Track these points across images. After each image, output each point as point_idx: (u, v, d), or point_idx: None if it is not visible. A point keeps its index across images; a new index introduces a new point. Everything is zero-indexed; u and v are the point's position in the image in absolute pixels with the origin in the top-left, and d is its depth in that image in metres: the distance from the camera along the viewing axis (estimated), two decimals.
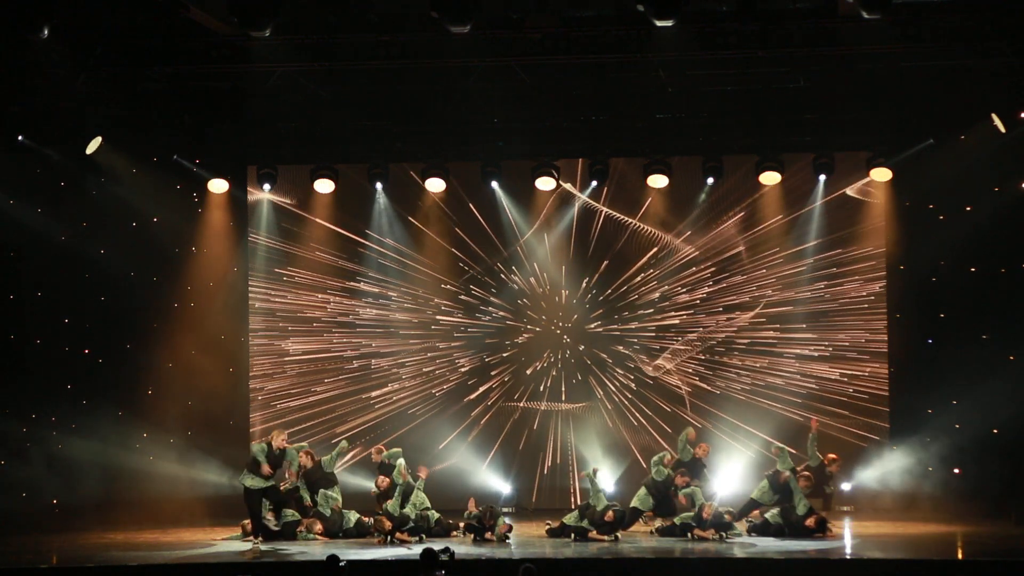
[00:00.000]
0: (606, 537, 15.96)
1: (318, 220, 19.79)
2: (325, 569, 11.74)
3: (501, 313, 19.94)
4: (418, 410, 19.52)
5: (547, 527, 16.66)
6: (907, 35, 15.58)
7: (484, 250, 19.82)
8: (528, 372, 19.90)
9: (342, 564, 11.67)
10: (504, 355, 19.96)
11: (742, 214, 19.48)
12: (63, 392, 18.27)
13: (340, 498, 16.84)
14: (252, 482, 16.12)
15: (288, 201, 19.73)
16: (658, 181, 18.75)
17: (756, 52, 15.96)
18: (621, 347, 19.82)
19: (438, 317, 19.91)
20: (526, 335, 20.01)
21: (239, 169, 19.52)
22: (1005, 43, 15.75)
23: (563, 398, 19.83)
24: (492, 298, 19.89)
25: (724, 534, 15.93)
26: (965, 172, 18.02)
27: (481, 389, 19.82)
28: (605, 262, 19.71)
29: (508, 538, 16.08)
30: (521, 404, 19.78)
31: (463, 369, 19.88)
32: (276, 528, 16.31)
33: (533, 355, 19.98)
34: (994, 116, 17.27)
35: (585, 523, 16.12)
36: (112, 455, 18.34)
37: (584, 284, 19.82)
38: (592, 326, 19.88)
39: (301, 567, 14.63)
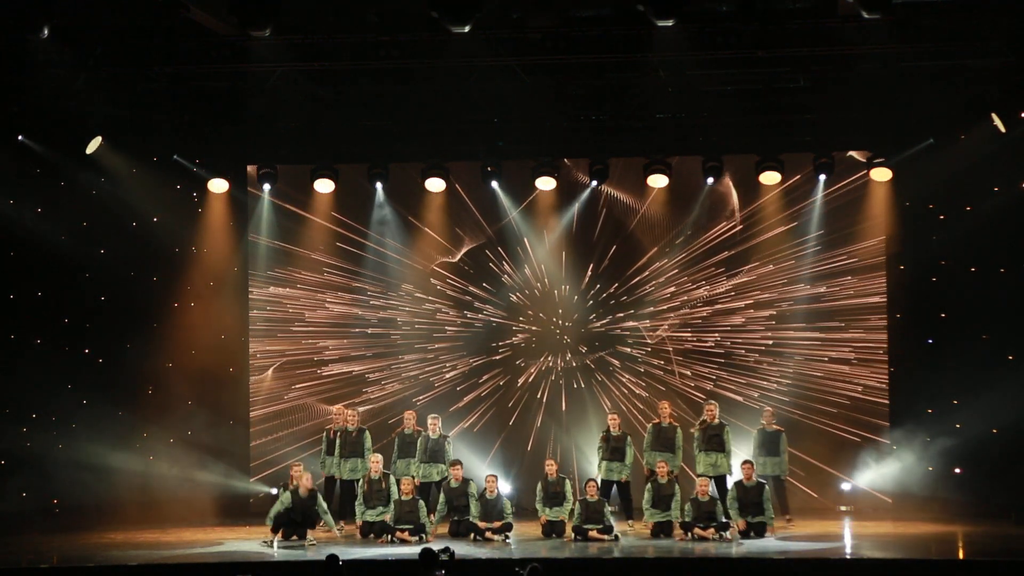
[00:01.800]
0: (606, 537, 15.96)
1: (318, 220, 19.78)
2: (325, 569, 11.74)
3: (495, 311, 19.85)
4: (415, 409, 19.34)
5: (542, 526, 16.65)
6: (907, 35, 15.61)
7: (483, 249, 19.80)
8: (520, 381, 19.79)
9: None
10: (496, 358, 19.89)
11: (741, 215, 19.48)
12: (63, 392, 18.26)
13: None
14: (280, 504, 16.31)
15: (287, 200, 19.70)
16: (658, 181, 18.75)
17: (756, 52, 15.96)
18: (630, 349, 19.75)
19: (438, 317, 19.88)
20: (520, 335, 19.95)
21: (239, 169, 19.52)
22: (1005, 43, 15.75)
23: (564, 407, 19.73)
24: (483, 293, 19.75)
25: (723, 534, 15.93)
26: (965, 172, 18.01)
27: (467, 399, 19.66)
28: (608, 256, 19.62)
29: (508, 538, 16.09)
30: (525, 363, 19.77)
31: (452, 373, 19.74)
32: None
33: (530, 358, 19.92)
34: (994, 116, 17.26)
35: (576, 518, 16.11)
36: (112, 455, 18.34)
37: (587, 277, 19.73)
38: (596, 325, 19.84)
39: (301, 567, 14.64)
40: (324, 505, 16.46)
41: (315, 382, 19.76)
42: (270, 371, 19.82)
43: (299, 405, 19.70)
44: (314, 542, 15.96)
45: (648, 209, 19.58)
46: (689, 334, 19.64)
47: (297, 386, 19.75)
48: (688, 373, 19.53)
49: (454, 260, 19.77)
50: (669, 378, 19.58)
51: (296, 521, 16.13)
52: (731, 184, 19.36)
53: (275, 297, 19.88)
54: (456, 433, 19.16)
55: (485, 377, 19.80)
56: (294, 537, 16.07)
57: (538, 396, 19.75)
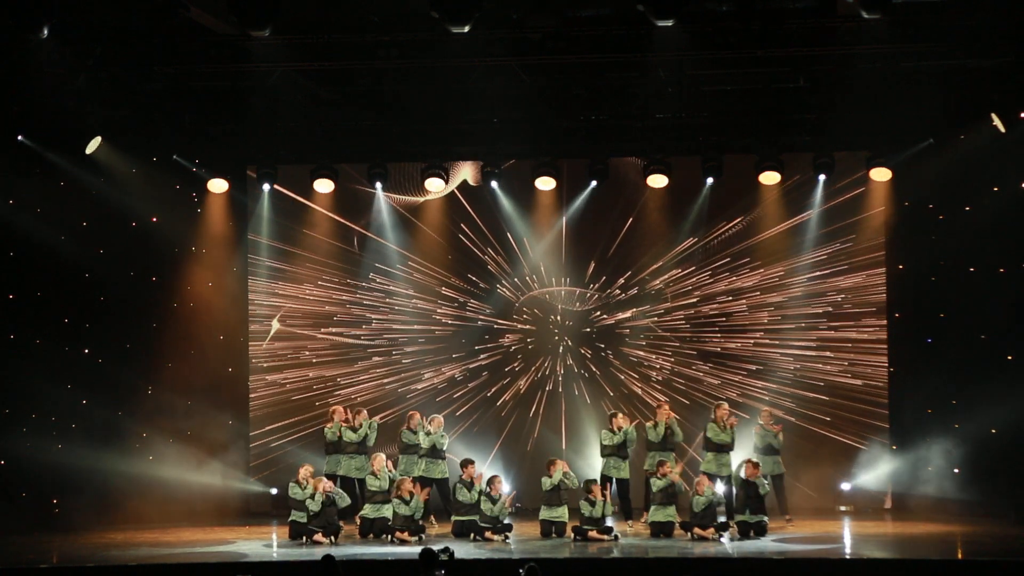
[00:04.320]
0: (606, 537, 15.97)
1: (318, 220, 19.78)
2: (321, 569, 11.75)
3: (488, 310, 19.83)
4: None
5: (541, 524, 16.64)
6: (907, 35, 15.61)
7: (483, 249, 19.79)
8: (509, 393, 19.73)
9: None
10: (486, 362, 19.83)
11: (740, 217, 19.46)
12: (63, 392, 18.26)
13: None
14: (297, 516, 16.38)
15: (287, 201, 19.70)
16: (658, 181, 18.73)
17: (756, 52, 15.98)
18: (641, 351, 19.69)
19: (437, 316, 19.88)
20: (512, 336, 19.90)
21: (239, 169, 19.51)
22: (1005, 43, 15.75)
23: (563, 425, 19.64)
24: (476, 289, 19.76)
25: (723, 534, 15.93)
26: (965, 172, 18.01)
27: (468, 397, 19.64)
28: (608, 256, 19.60)
29: (508, 538, 16.10)
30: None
31: (443, 377, 19.73)
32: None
33: (527, 361, 19.86)
34: (994, 116, 17.25)
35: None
36: (112, 455, 18.34)
37: (589, 271, 19.68)
38: (598, 324, 19.80)
39: (301, 567, 14.64)
40: (342, 505, 16.56)
41: (312, 382, 19.78)
42: (275, 321, 19.79)
43: (299, 406, 19.73)
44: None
45: (646, 209, 19.54)
46: (689, 334, 19.63)
47: (293, 386, 19.75)
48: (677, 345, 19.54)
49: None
50: (673, 378, 19.54)
51: (319, 528, 16.19)
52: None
53: (275, 297, 19.86)
54: (461, 430, 19.21)
55: (470, 387, 19.77)
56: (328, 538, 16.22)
57: (532, 414, 19.63)
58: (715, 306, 19.59)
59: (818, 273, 19.38)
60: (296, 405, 19.70)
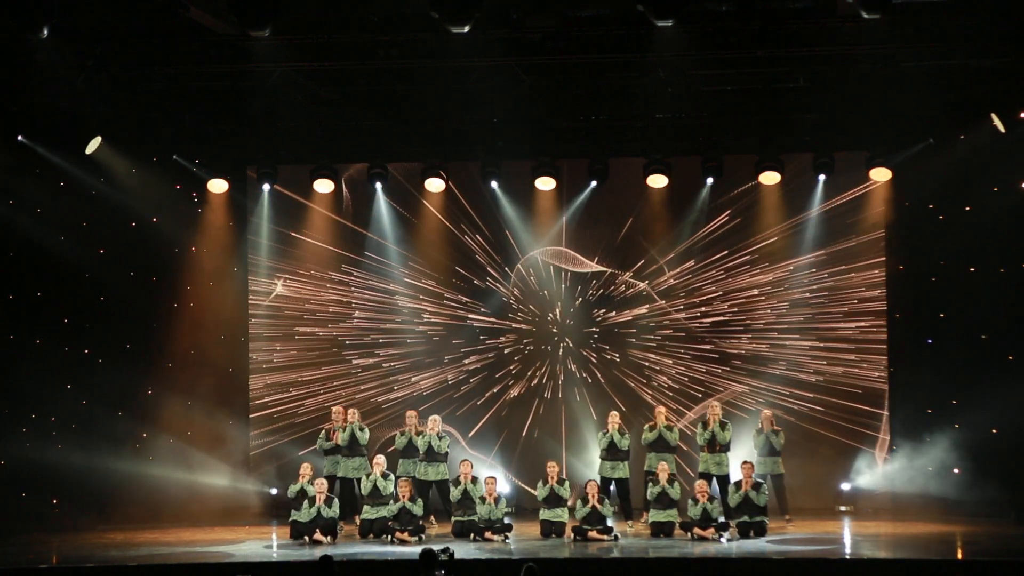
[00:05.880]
0: (606, 537, 15.97)
1: (317, 220, 19.78)
2: (319, 570, 11.75)
3: (483, 309, 19.83)
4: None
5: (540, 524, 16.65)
6: (907, 35, 15.62)
7: (483, 249, 19.78)
8: (509, 395, 19.72)
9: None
10: (481, 365, 19.80)
11: (740, 217, 19.45)
12: (63, 392, 18.26)
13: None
14: (297, 516, 16.35)
15: (287, 201, 19.69)
16: (658, 181, 18.72)
17: (756, 52, 15.98)
18: (652, 353, 19.63)
19: (433, 317, 19.87)
20: (507, 337, 19.88)
21: (239, 169, 19.50)
22: (1005, 43, 15.76)
23: (563, 430, 19.62)
24: (471, 287, 19.73)
25: (723, 534, 15.93)
26: (965, 172, 18.01)
27: (472, 394, 19.67)
28: (607, 256, 19.62)
29: (508, 538, 16.10)
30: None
31: (440, 379, 19.72)
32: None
33: (524, 364, 19.83)
34: (994, 116, 17.25)
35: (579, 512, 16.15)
36: (111, 455, 18.34)
37: (591, 265, 19.67)
38: (600, 324, 19.78)
39: (300, 567, 14.65)
40: (338, 511, 16.56)
41: (312, 382, 19.79)
42: (279, 284, 19.77)
43: (299, 407, 19.73)
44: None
45: (646, 209, 19.53)
46: (691, 334, 19.62)
47: (293, 386, 19.76)
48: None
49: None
50: (676, 381, 19.53)
51: (318, 528, 16.17)
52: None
53: (274, 297, 19.86)
54: (461, 430, 19.25)
55: (471, 384, 19.76)
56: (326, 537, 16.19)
57: (529, 422, 19.63)
58: (715, 307, 19.57)
59: (818, 273, 19.36)
60: (296, 405, 19.69)
